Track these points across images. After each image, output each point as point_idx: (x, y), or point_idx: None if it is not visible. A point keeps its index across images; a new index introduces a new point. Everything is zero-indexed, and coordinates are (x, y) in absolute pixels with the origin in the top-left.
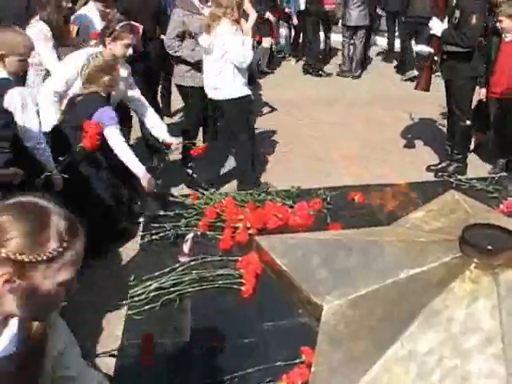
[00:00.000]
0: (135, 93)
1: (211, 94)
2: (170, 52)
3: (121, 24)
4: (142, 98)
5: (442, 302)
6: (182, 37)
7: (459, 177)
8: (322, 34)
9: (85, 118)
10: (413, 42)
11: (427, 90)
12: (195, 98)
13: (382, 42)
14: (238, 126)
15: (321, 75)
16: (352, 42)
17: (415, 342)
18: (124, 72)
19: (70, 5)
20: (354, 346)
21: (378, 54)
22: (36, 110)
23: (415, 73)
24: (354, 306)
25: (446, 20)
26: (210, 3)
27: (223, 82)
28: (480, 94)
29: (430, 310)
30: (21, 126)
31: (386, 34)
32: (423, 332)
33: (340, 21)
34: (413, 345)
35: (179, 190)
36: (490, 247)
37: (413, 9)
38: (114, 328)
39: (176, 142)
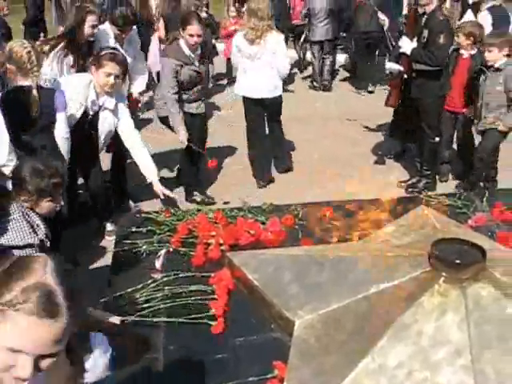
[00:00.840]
0: (125, 126)
1: (263, 94)
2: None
3: (103, 52)
4: (134, 133)
5: (411, 315)
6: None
7: (429, 192)
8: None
9: None
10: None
11: (395, 106)
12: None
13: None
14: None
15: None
16: (319, 56)
17: (385, 355)
18: (110, 103)
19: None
20: (325, 360)
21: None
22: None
23: (370, 88)
24: (326, 321)
25: (416, 39)
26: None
27: (274, 83)
28: None
29: (399, 324)
30: None
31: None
32: (393, 346)
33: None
34: (383, 359)
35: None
36: (458, 261)
37: (357, 26)
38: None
39: (164, 192)
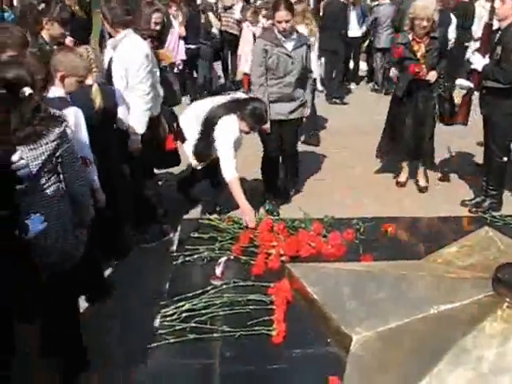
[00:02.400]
0: None
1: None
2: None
3: None
4: None
5: (472, 340)
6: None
7: (493, 213)
8: None
9: None
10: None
11: (465, 123)
12: None
13: None
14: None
15: None
16: (383, 62)
17: (443, 379)
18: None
19: None
20: (382, 378)
21: None
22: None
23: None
24: (383, 339)
25: (488, 55)
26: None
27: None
28: None
29: (459, 347)
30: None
31: None
32: (451, 370)
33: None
34: (440, 382)
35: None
36: None
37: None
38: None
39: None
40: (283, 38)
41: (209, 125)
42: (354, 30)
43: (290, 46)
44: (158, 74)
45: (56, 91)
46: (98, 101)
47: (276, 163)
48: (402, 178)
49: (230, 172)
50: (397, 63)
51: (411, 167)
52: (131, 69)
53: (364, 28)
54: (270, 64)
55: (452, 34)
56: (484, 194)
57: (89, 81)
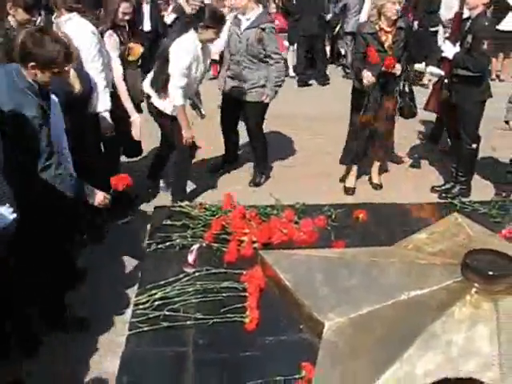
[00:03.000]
0: None
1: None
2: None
3: None
4: None
5: (441, 325)
6: None
7: (463, 199)
8: None
9: None
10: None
11: (436, 111)
12: None
13: None
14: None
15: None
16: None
17: (413, 363)
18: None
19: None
20: (353, 364)
21: None
22: None
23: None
24: (355, 325)
25: (458, 44)
26: None
27: None
28: None
29: (429, 332)
30: None
31: None
32: (421, 354)
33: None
34: (411, 367)
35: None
36: (491, 273)
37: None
38: (117, 334)
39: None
40: (241, 19)
41: (162, 56)
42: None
43: (243, 26)
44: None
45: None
46: (77, 86)
47: (226, 136)
48: (351, 182)
49: (177, 99)
50: (362, 54)
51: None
52: (83, 48)
53: (331, 15)
54: (228, 41)
55: None
56: (453, 180)
57: None
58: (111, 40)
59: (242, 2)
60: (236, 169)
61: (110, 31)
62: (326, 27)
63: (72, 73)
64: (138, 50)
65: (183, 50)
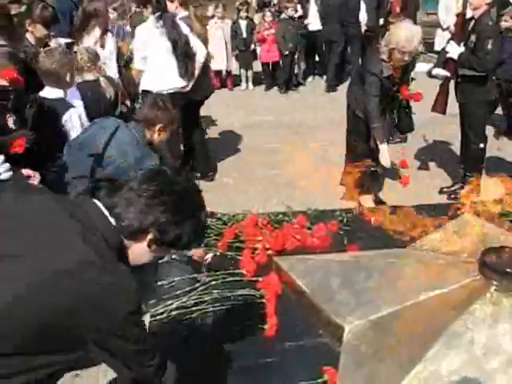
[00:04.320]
0: None
1: None
2: None
3: None
4: None
5: (463, 324)
6: None
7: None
8: None
9: None
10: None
11: (443, 112)
12: None
13: None
14: None
15: None
16: None
17: (437, 363)
18: None
19: None
20: (377, 366)
21: None
22: None
23: None
24: (375, 327)
25: (463, 44)
26: None
27: None
28: None
29: (451, 331)
30: None
31: None
32: (445, 353)
33: None
34: (435, 366)
35: None
36: (509, 270)
37: None
38: None
39: None
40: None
41: None
42: (316, 23)
43: None
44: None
45: (55, 92)
46: (110, 91)
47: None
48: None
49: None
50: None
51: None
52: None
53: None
54: None
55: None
56: (462, 181)
57: (90, 76)
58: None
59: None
60: (246, 177)
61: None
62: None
63: (103, 80)
64: (127, 47)
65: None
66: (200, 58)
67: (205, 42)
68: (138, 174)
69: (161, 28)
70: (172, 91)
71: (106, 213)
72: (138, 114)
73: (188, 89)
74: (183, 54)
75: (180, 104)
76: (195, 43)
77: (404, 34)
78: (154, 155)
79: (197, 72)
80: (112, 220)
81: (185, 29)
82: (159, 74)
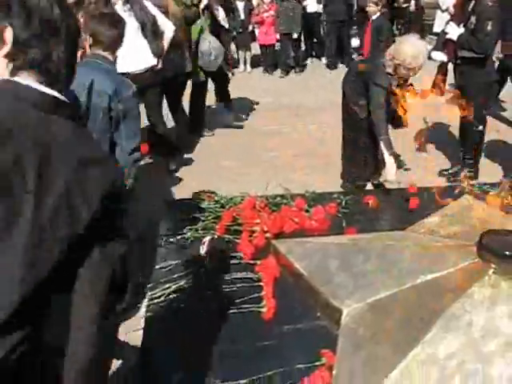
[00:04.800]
0: None
1: None
2: None
3: None
4: None
5: (461, 306)
6: None
7: (471, 182)
8: None
9: None
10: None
11: (441, 94)
12: None
13: None
14: None
15: None
16: None
17: (435, 346)
18: None
19: None
20: (375, 349)
21: None
22: None
23: None
24: (373, 310)
25: (462, 25)
26: None
27: None
28: None
29: (449, 314)
30: None
31: None
32: (443, 336)
33: None
34: (433, 349)
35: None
36: (508, 253)
37: None
38: (134, 329)
39: None
40: None
41: None
42: (313, 4)
43: None
44: None
45: None
46: None
47: None
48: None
49: None
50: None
51: None
52: None
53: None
54: None
55: None
56: (461, 163)
57: None
58: None
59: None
60: (245, 160)
61: None
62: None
63: None
64: None
65: None
66: (168, 35)
67: (182, 21)
68: None
69: (128, 11)
70: (143, 70)
71: None
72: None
73: (159, 66)
74: (152, 33)
75: (155, 82)
76: (163, 21)
77: (410, 50)
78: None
79: (165, 49)
80: None
81: (152, 9)
82: (131, 55)
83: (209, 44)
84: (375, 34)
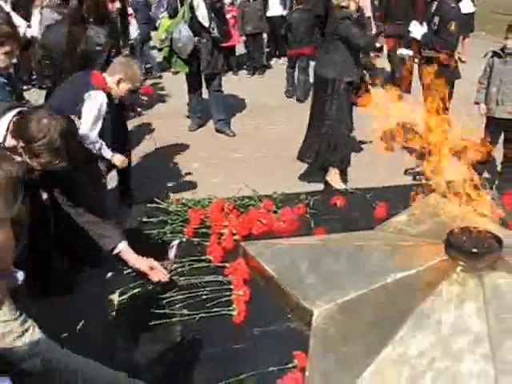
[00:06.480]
0: None
1: None
2: None
3: None
4: None
5: (430, 305)
6: None
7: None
8: None
9: None
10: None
11: (408, 91)
12: None
13: None
14: None
15: None
16: None
17: (406, 345)
18: None
19: None
20: (346, 349)
21: None
22: None
23: None
24: (344, 311)
25: (425, 24)
26: None
27: None
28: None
29: (418, 313)
30: None
31: None
32: (413, 335)
33: None
34: (404, 348)
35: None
36: (475, 250)
37: None
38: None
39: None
40: None
41: None
42: (277, 8)
43: None
44: None
45: None
46: None
47: None
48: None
49: None
50: None
51: None
52: None
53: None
54: None
55: None
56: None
57: None
58: None
59: None
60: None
61: None
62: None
63: None
64: None
65: None
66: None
67: None
68: None
69: None
70: None
71: None
72: None
73: None
74: None
75: None
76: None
77: None
78: None
79: None
80: None
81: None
82: None
83: (179, 32)
84: None
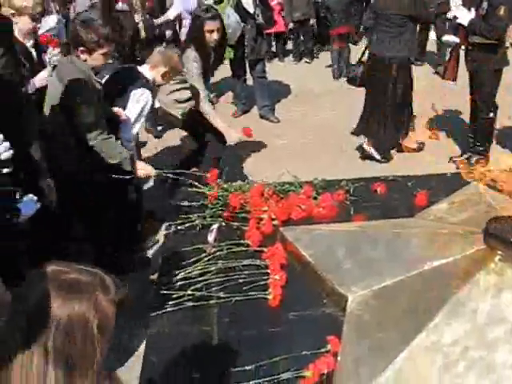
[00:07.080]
0: None
1: None
2: None
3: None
4: None
5: (466, 293)
6: None
7: (482, 169)
8: None
9: None
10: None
11: (454, 79)
12: None
13: None
14: None
15: None
16: None
17: (440, 332)
18: None
19: None
20: (380, 335)
21: None
22: None
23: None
24: (379, 297)
25: (473, 9)
26: None
27: None
28: None
29: (454, 301)
30: None
31: None
32: (448, 323)
33: None
34: (438, 336)
35: None
36: None
37: None
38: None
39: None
40: None
41: None
42: None
43: None
44: None
45: None
46: None
47: None
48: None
49: None
50: None
51: None
52: None
53: None
54: None
55: None
56: (471, 150)
57: None
58: None
59: None
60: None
61: None
62: None
63: None
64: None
65: None
66: None
67: None
68: None
69: None
70: None
71: None
72: None
73: None
74: None
75: None
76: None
77: None
78: None
79: None
80: None
81: None
82: None
83: (228, 17)
84: None
